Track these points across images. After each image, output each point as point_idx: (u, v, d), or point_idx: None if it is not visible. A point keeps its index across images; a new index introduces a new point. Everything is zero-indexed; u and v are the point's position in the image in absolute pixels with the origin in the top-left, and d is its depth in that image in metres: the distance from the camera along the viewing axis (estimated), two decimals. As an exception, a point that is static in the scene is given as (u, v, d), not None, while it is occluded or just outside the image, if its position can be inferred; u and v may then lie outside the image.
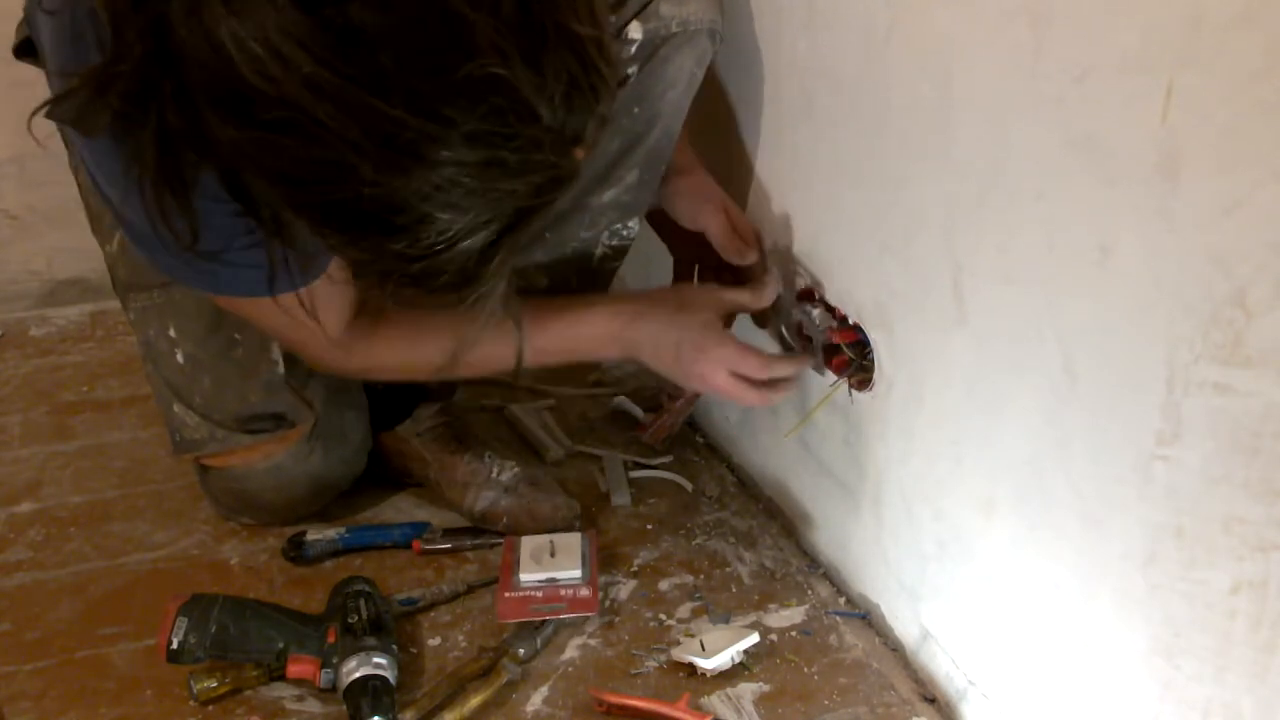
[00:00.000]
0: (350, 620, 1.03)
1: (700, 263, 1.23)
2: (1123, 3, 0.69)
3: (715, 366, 1.08)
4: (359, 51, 0.59)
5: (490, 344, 1.02)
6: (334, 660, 1.00)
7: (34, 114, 0.74)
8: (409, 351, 1.09)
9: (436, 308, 1.08)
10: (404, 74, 0.59)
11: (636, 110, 1.11)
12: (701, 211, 1.16)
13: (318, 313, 0.91)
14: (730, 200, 1.18)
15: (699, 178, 1.19)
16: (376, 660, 0.99)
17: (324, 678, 1.00)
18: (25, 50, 1.07)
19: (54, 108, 0.75)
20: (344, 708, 0.97)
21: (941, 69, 0.87)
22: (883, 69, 0.95)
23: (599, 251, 1.21)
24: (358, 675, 0.98)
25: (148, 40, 0.63)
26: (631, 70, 1.09)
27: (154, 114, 0.66)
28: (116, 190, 0.85)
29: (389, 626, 1.04)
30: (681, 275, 1.26)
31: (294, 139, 0.60)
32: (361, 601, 1.05)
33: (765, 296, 1.14)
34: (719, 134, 1.24)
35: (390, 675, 0.99)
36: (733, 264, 1.15)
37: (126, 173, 0.70)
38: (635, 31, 1.07)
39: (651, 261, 1.35)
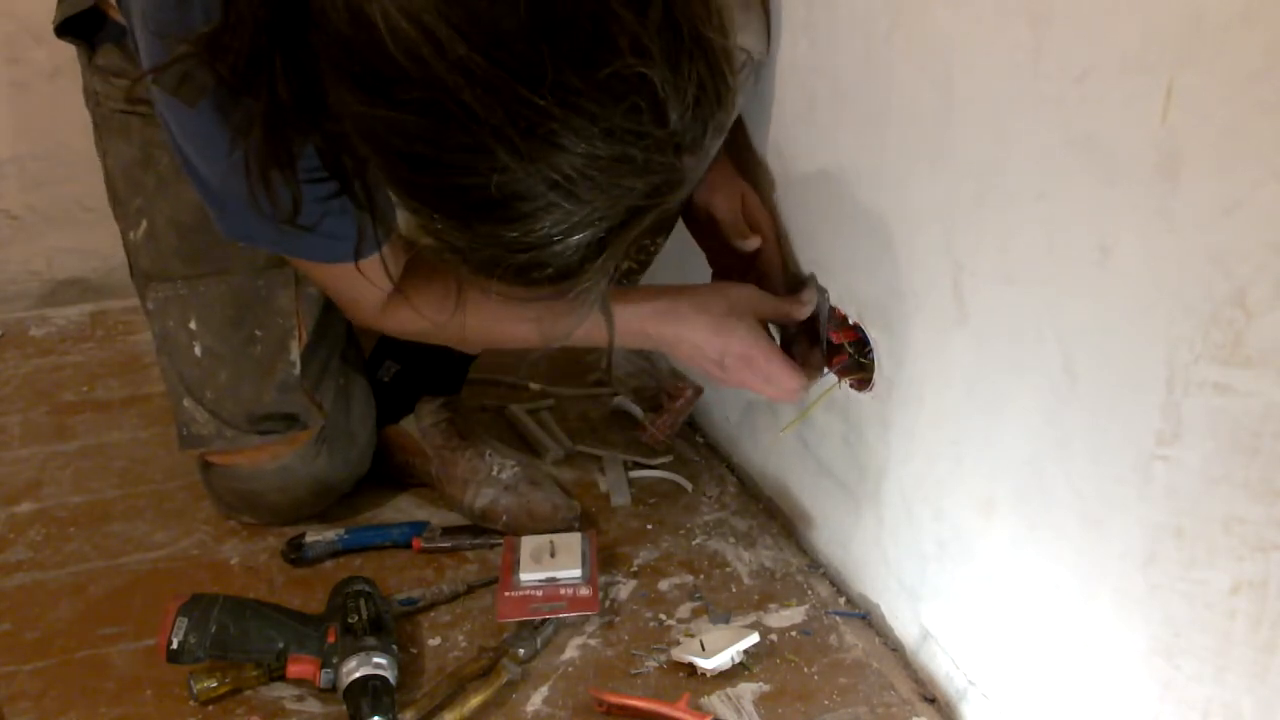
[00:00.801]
0: (350, 620, 1.03)
1: (715, 255, 1.23)
2: (1123, 3, 0.69)
3: (758, 379, 1.11)
4: (512, 40, 0.60)
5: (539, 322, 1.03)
6: (334, 660, 1.00)
7: (136, 81, 0.75)
8: (438, 314, 1.07)
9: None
10: (555, 65, 0.60)
11: None
12: (713, 192, 1.16)
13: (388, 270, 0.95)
14: (752, 191, 1.17)
15: (719, 167, 1.19)
16: (376, 660, 0.99)
17: (324, 678, 1.00)
18: (66, 29, 1.07)
19: (158, 75, 0.74)
20: (344, 708, 0.97)
21: (941, 69, 0.87)
22: (883, 69, 0.95)
23: (624, 265, 1.20)
24: (358, 675, 0.98)
25: (265, 8, 0.64)
26: None
27: (265, 86, 0.66)
28: (213, 162, 0.85)
29: (389, 626, 1.04)
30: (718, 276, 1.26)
31: (431, 120, 0.62)
32: (361, 601, 1.05)
33: (804, 310, 1.14)
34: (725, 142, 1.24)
35: (390, 675, 0.99)
36: (739, 250, 1.15)
37: (232, 143, 0.70)
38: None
39: (659, 266, 1.35)
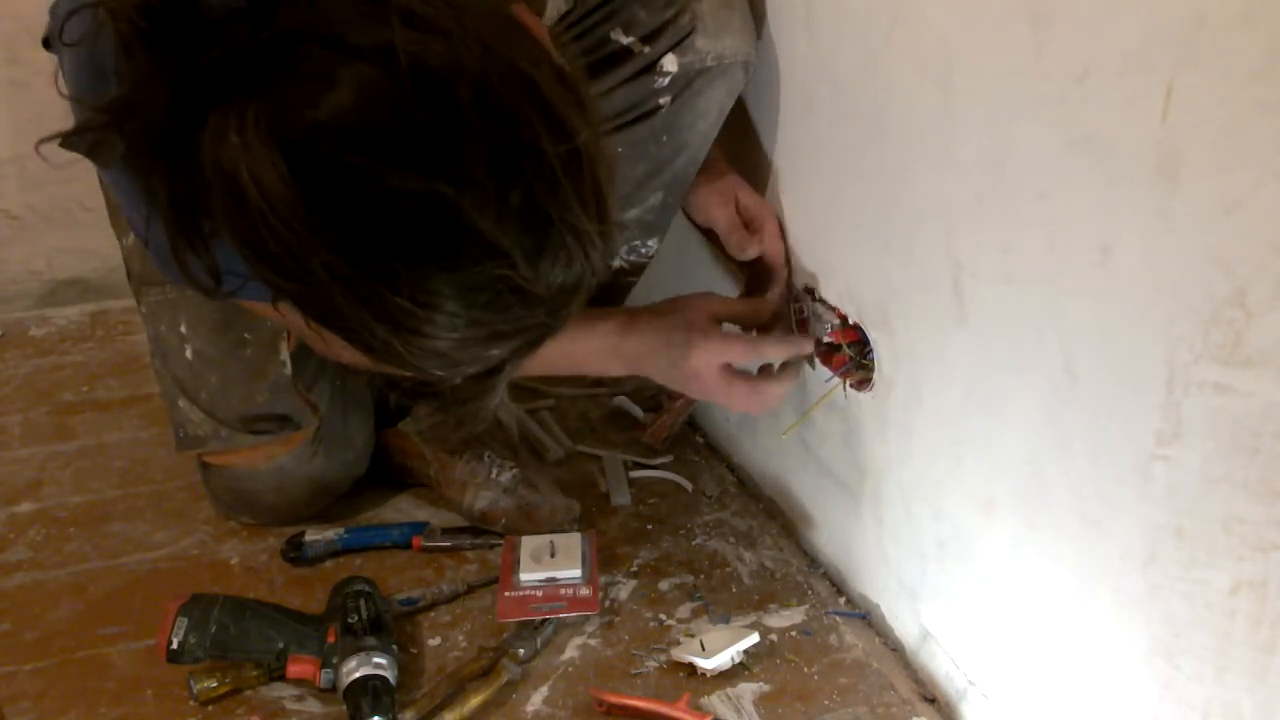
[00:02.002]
0: (350, 620, 1.03)
1: (721, 253, 1.23)
2: (1123, 3, 0.69)
3: (705, 361, 1.06)
4: (369, 247, 0.63)
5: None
6: (334, 660, 1.00)
7: (42, 141, 0.76)
8: None
9: None
10: (410, 272, 0.63)
11: (665, 139, 1.11)
12: (709, 205, 1.16)
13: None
14: (744, 186, 1.16)
15: (713, 171, 1.18)
16: (376, 660, 0.99)
17: (324, 678, 1.00)
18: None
19: (68, 138, 0.75)
20: (344, 708, 0.97)
21: (941, 69, 0.87)
22: (883, 69, 0.95)
23: (616, 264, 1.20)
24: (358, 675, 0.98)
25: (167, 92, 0.65)
26: (664, 101, 1.09)
27: (169, 169, 0.67)
28: (135, 218, 0.86)
29: (389, 626, 1.04)
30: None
31: (309, 297, 0.66)
32: (361, 601, 1.05)
33: (763, 314, 1.13)
34: (719, 136, 1.24)
35: (390, 675, 0.99)
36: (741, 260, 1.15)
37: (147, 210, 0.70)
38: (670, 64, 1.07)
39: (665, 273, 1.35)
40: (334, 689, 0.99)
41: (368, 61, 0.62)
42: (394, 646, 1.02)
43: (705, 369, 1.07)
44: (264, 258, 0.64)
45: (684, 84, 1.09)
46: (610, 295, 1.23)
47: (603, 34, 1.06)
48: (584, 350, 1.10)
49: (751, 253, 1.13)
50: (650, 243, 1.19)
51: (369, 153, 0.62)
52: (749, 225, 1.15)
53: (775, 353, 1.10)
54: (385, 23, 0.62)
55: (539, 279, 0.66)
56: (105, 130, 0.69)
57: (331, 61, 0.62)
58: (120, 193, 0.88)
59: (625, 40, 1.06)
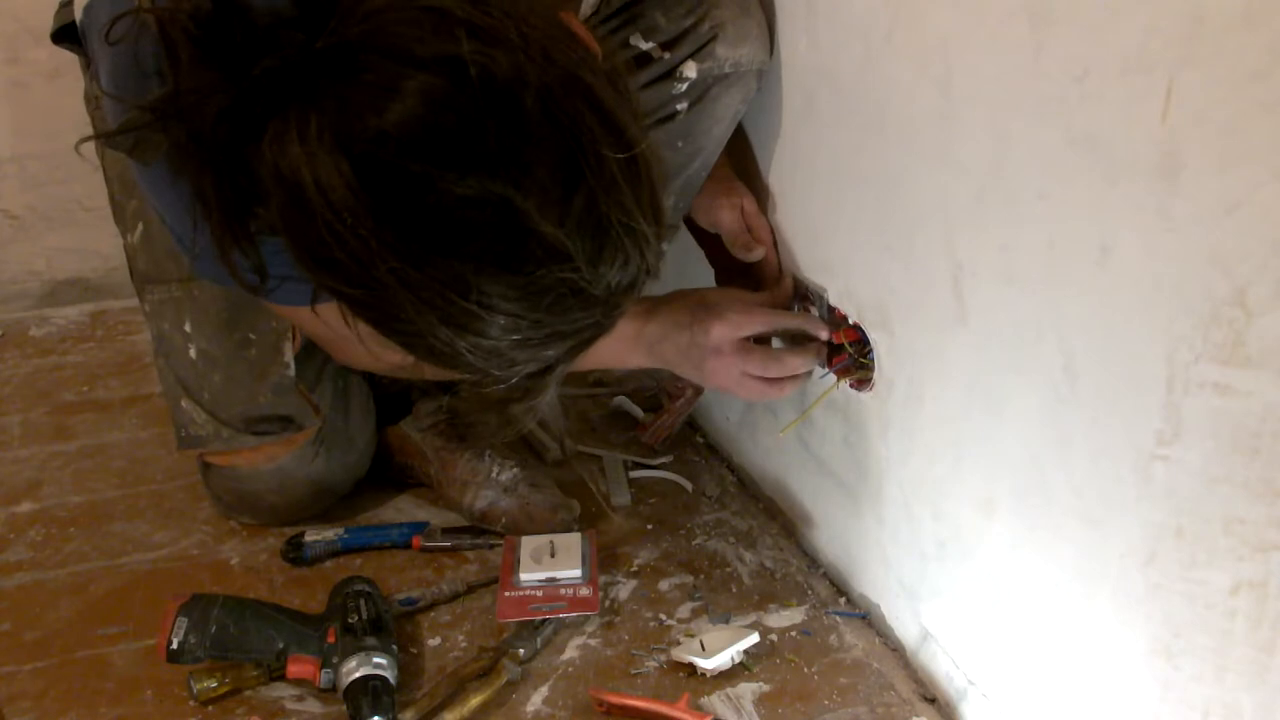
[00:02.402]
0: (350, 620, 1.03)
1: (720, 264, 1.24)
2: (1123, 3, 0.69)
3: (726, 334, 1.08)
4: (437, 255, 0.64)
5: None
6: (334, 660, 1.00)
7: (83, 141, 0.76)
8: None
9: None
10: (477, 278, 0.65)
11: (681, 144, 1.12)
12: (716, 207, 1.16)
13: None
14: (748, 194, 1.17)
15: (720, 176, 1.19)
16: (376, 660, 0.99)
17: (324, 678, 1.00)
18: (64, 35, 1.07)
19: (111, 137, 0.76)
20: (344, 708, 0.97)
21: (941, 69, 0.87)
22: (883, 69, 0.95)
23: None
24: (358, 675, 0.98)
25: (221, 97, 0.65)
26: (681, 107, 1.10)
27: (220, 172, 0.68)
28: (175, 217, 0.87)
29: (389, 626, 1.04)
30: (721, 282, 1.26)
31: (371, 301, 0.67)
32: (361, 601, 1.05)
33: (780, 296, 1.14)
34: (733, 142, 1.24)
35: (390, 675, 0.99)
36: (744, 261, 1.15)
37: (191, 209, 0.71)
38: (690, 70, 1.08)
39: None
40: (334, 689, 0.99)
41: (432, 72, 0.63)
42: (394, 646, 1.02)
43: (726, 341, 1.08)
44: (327, 264, 0.65)
45: (701, 90, 1.10)
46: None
47: (623, 38, 1.07)
48: (608, 341, 1.10)
49: (757, 254, 1.14)
50: (663, 245, 1.19)
51: (436, 160, 0.63)
52: (752, 231, 1.16)
53: (800, 365, 1.10)
54: (450, 35, 0.63)
55: (599, 280, 0.68)
56: (149, 129, 0.69)
57: (396, 72, 0.63)
58: (156, 191, 0.87)
59: (645, 45, 1.07)
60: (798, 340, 1.13)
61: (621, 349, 1.12)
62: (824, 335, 1.10)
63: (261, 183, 0.65)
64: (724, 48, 1.08)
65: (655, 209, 0.70)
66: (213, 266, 0.75)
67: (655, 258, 0.72)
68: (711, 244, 1.22)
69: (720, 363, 1.09)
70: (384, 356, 0.75)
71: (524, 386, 0.75)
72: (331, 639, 1.01)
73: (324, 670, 1.00)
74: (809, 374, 1.12)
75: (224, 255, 0.71)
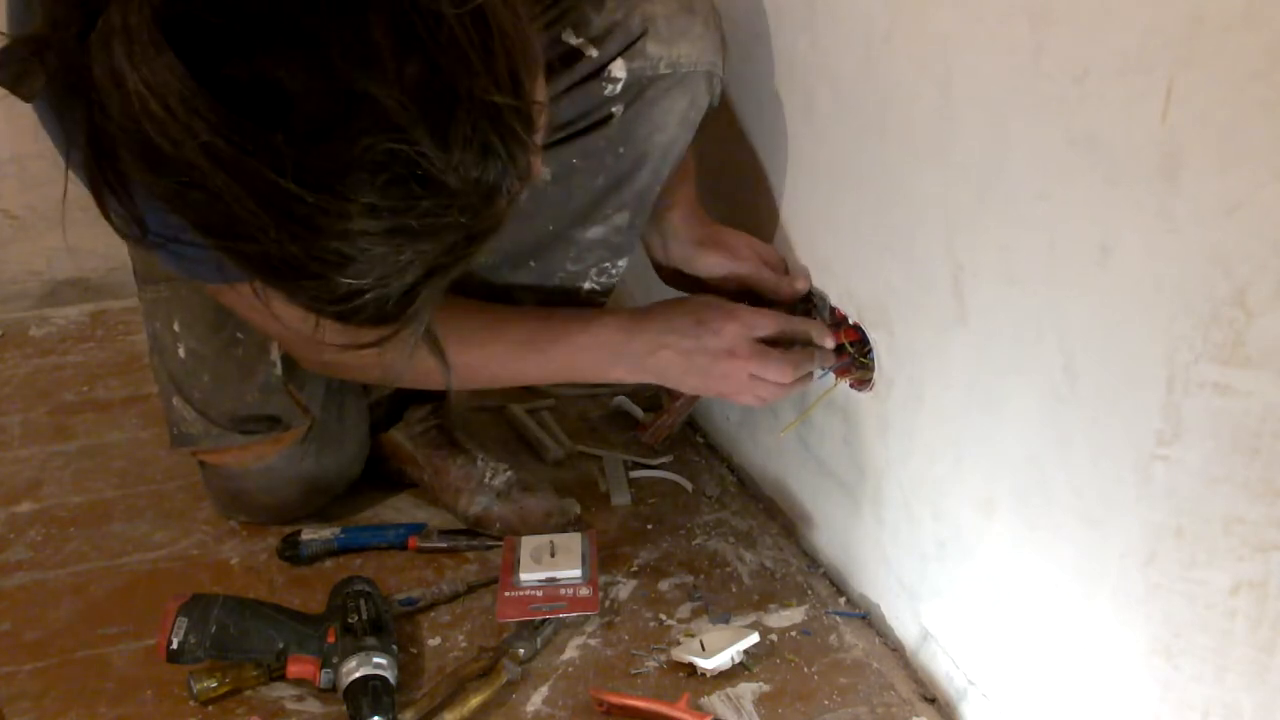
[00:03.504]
0: (350, 620, 1.03)
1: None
2: (1123, 3, 0.69)
3: (739, 334, 1.05)
4: (254, 123, 0.58)
5: (469, 356, 1.03)
6: (334, 660, 1.00)
7: None
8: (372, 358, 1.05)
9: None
10: (299, 148, 0.58)
11: (622, 150, 1.07)
12: (735, 263, 1.13)
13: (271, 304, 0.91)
14: (741, 235, 1.15)
15: (714, 230, 1.15)
16: (376, 660, 0.99)
17: (324, 678, 1.00)
18: None
19: None
20: (344, 708, 0.97)
21: (941, 69, 0.87)
22: (883, 69, 0.95)
23: (586, 286, 1.17)
24: (358, 675, 0.98)
25: (80, 20, 0.61)
26: (616, 110, 1.05)
27: (87, 105, 0.63)
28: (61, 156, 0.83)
29: (389, 626, 1.04)
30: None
31: (200, 194, 0.60)
32: (361, 601, 1.05)
33: (799, 285, 1.11)
34: (719, 135, 1.24)
35: (390, 675, 0.99)
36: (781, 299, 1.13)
37: (67, 152, 0.67)
38: (619, 70, 1.03)
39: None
40: (334, 689, 0.99)
41: None
42: (394, 646, 1.02)
43: (741, 341, 1.05)
44: (149, 156, 0.60)
45: (636, 92, 1.05)
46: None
47: (555, 34, 1.02)
48: (587, 350, 1.08)
49: (803, 286, 1.12)
50: (620, 263, 1.16)
51: (250, 20, 0.57)
52: (772, 267, 1.14)
53: (801, 328, 1.08)
54: None
55: (449, 165, 0.60)
56: (26, 62, 0.64)
57: None
58: (49, 133, 0.82)
59: (575, 41, 1.02)
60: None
61: (602, 360, 1.09)
62: (830, 343, 1.08)
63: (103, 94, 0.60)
64: (656, 45, 1.04)
65: (515, 83, 0.63)
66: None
67: (524, 154, 0.64)
68: (698, 287, 1.17)
69: (733, 365, 1.06)
70: (289, 324, 0.70)
71: (392, 317, 0.67)
72: (331, 639, 1.01)
73: (324, 670, 1.00)
74: (810, 376, 1.11)
75: (97, 198, 0.67)
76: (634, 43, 1.03)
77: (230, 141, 0.58)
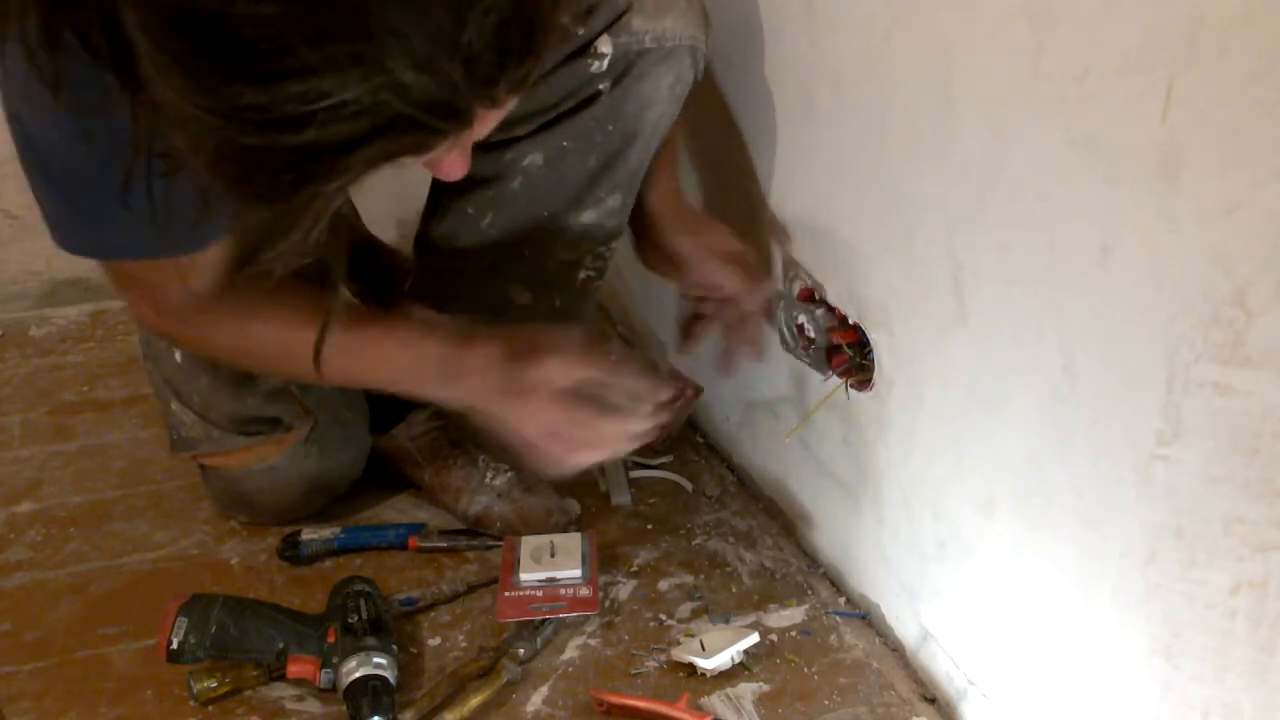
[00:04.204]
0: (350, 620, 1.03)
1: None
2: (1123, 3, 0.69)
3: (547, 376, 0.95)
4: None
5: (296, 337, 0.94)
6: (334, 660, 1.00)
7: None
8: (236, 334, 1.00)
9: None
10: None
11: (611, 128, 1.08)
12: (719, 272, 1.12)
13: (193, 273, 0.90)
14: (725, 231, 1.13)
15: (692, 220, 1.14)
16: (376, 660, 0.99)
17: (324, 678, 1.00)
18: None
19: None
20: (344, 708, 0.97)
21: (941, 69, 0.87)
22: (883, 69, 0.95)
23: (581, 275, 1.18)
24: (358, 675, 0.98)
25: None
26: (603, 86, 1.06)
27: None
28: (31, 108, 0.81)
29: (389, 626, 1.04)
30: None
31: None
32: (361, 601, 1.05)
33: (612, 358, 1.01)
34: (719, 135, 1.24)
35: (390, 675, 0.99)
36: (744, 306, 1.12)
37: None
38: (605, 45, 1.03)
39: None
40: (334, 689, 0.99)
41: None
42: (394, 646, 1.02)
43: (544, 385, 0.95)
44: None
45: (623, 68, 1.05)
46: (579, 302, 1.20)
47: None
48: (404, 351, 1.00)
49: (762, 295, 1.11)
50: (613, 245, 1.17)
51: None
52: (744, 268, 1.13)
53: (633, 379, 0.98)
54: None
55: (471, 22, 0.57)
56: None
57: None
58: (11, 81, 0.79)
59: (561, 19, 1.01)
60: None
61: (418, 370, 0.99)
62: (664, 396, 0.99)
63: None
64: (641, 20, 1.04)
65: None
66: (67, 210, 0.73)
67: (537, 34, 0.61)
68: (674, 271, 1.16)
69: (526, 410, 0.95)
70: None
71: (308, 169, 0.59)
72: (331, 639, 1.01)
73: (324, 670, 1.00)
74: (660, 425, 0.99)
75: (31, 59, 0.65)
76: (619, 18, 1.03)
77: None
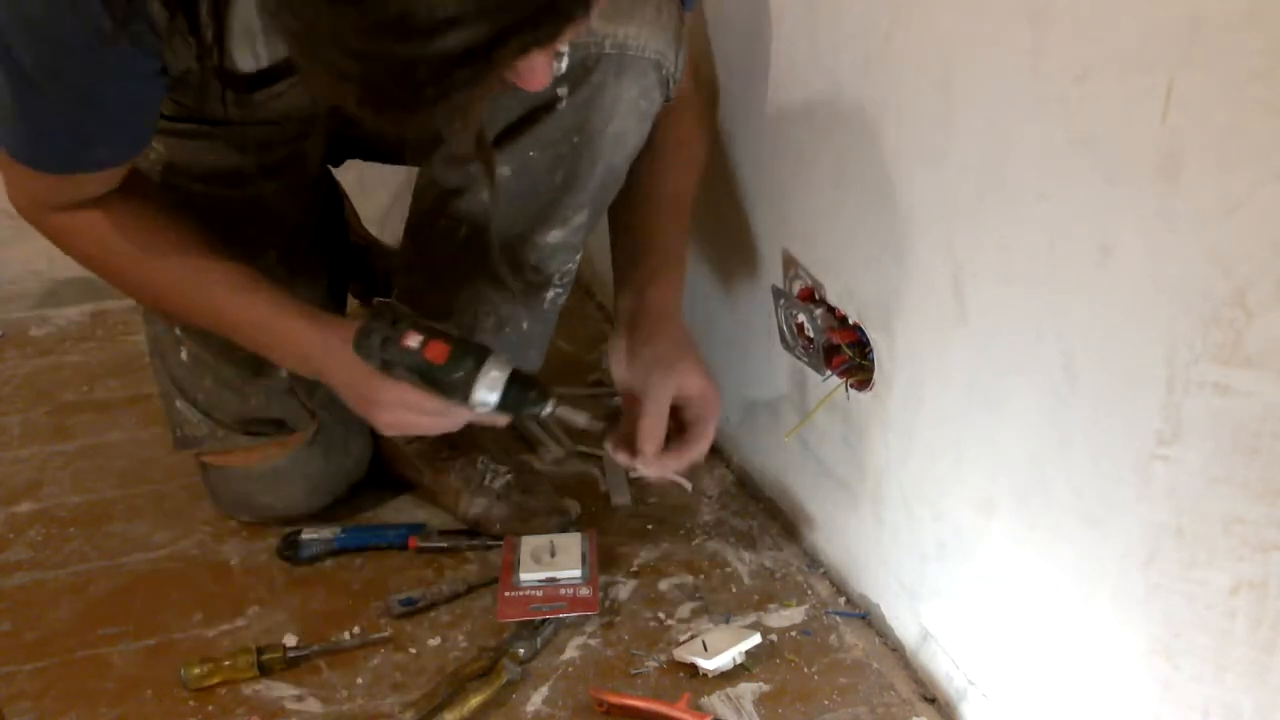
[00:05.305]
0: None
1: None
2: (1123, 3, 0.69)
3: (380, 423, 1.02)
4: None
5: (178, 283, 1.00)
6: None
7: None
8: (105, 246, 1.00)
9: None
10: None
11: (576, 140, 1.05)
12: (652, 383, 1.04)
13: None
14: (695, 370, 1.05)
15: (673, 348, 1.06)
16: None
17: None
18: None
19: None
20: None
21: (941, 69, 0.87)
22: (883, 69, 0.95)
23: (550, 293, 1.17)
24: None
25: None
26: (562, 92, 1.03)
27: None
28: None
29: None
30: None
31: None
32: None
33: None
34: (719, 134, 1.24)
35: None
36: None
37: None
38: (561, 44, 1.03)
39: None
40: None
41: None
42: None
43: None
44: None
45: (582, 74, 1.02)
46: (545, 321, 1.19)
47: None
48: (292, 339, 1.02)
49: (648, 448, 1.03)
50: (576, 258, 1.16)
51: None
52: (686, 420, 1.06)
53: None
54: None
55: None
56: None
57: None
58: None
59: None
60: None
61: (283, 355, 1.05)
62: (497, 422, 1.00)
63: None
64: (601, 22, 0.96)
65: None
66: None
67: None
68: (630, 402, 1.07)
69: (371, 416, 1.02)
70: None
71: (441, 83, 0.62)
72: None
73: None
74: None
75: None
76: None
77: None
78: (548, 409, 0.99)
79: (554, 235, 1.12)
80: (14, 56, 0.81)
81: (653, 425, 1.03)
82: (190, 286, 1.01)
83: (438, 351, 0.94)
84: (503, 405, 0.97)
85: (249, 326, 1.03)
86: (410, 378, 0.96)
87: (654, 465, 1.04)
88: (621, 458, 1.05)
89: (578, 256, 1.17)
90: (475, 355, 0.96)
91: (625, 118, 1.06)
